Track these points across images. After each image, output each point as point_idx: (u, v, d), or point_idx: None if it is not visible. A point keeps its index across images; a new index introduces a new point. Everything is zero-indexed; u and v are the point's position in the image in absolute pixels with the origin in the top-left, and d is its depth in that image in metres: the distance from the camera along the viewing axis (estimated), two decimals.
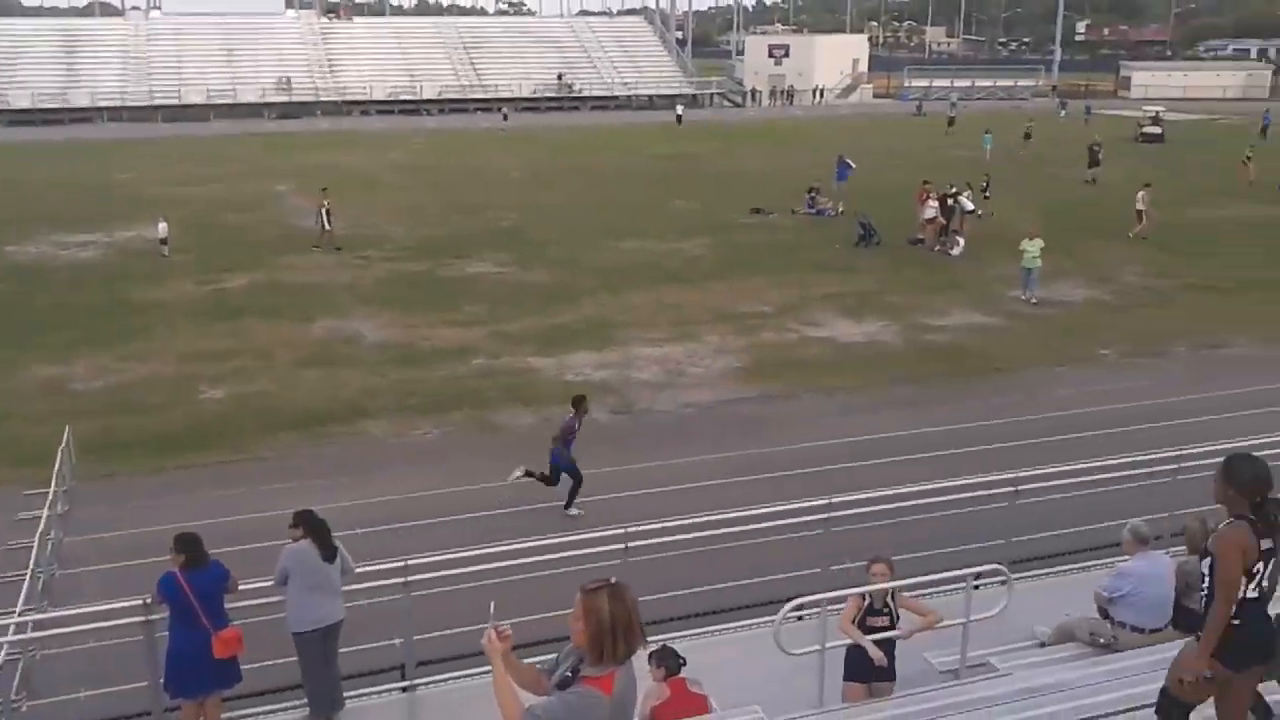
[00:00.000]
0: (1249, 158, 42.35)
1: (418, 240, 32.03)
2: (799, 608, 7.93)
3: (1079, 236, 31.12)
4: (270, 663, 9.00)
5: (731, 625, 9.66)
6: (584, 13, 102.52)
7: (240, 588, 8.23)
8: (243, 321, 23.39)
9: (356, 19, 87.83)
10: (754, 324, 23.42)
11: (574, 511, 13.80)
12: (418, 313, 24.05)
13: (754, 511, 10.12)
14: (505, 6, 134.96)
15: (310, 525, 8.32)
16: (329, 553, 8.25)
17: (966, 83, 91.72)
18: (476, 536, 11.27)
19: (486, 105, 75.16)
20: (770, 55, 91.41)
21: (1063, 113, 67.95)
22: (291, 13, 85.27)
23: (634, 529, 9.19)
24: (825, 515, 9.66)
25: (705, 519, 9.98)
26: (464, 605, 6.60)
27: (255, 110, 71.41)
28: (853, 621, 7.64)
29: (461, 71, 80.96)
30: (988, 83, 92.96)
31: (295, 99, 73.69)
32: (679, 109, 70.19)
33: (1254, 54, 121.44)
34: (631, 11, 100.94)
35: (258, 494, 14.30)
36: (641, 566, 8.99)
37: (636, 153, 53.68)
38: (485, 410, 18.27)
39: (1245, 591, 5.29)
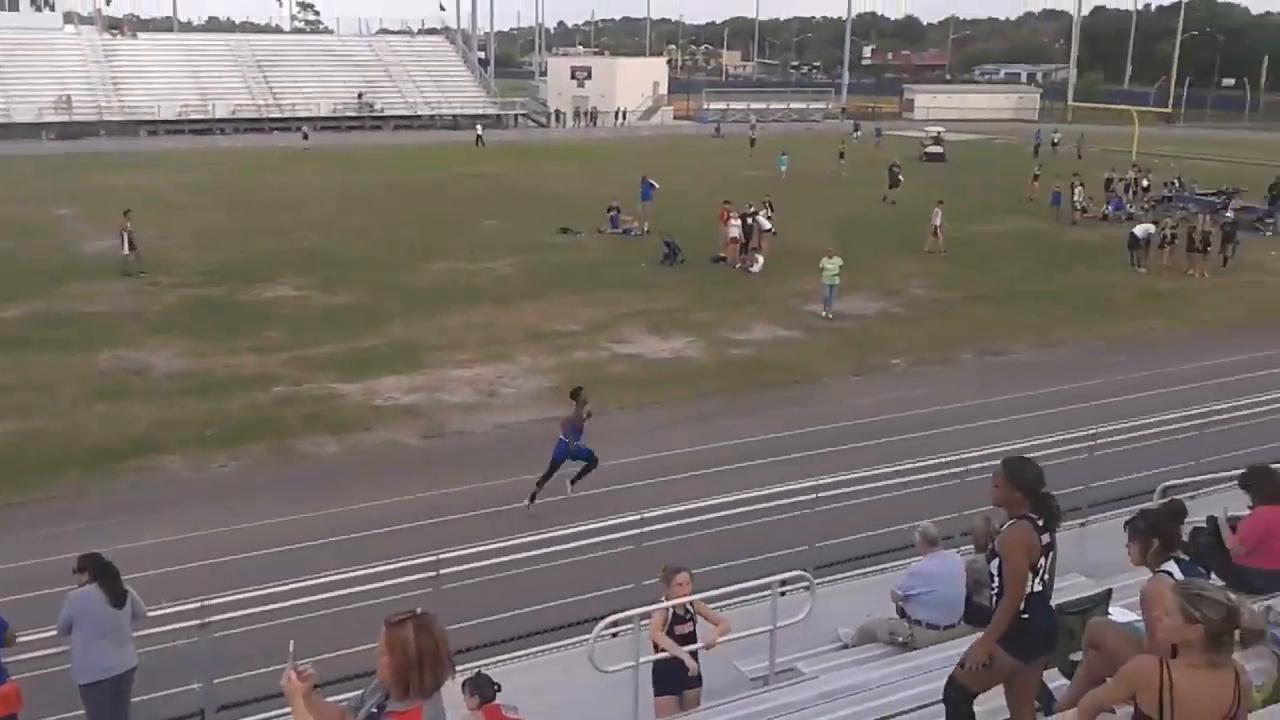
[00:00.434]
0: (1037, 175, 45.23)
1: (213, 264, 30.66)
2: (613, 624, 7.97)
3: (874, 252, 32.62)
4: (56, 719, 8.42)
5: (549, 646, 9.63)
6: (384, 31, 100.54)
7: (19, 639, 7.67)
8: (21, 354, 21.83)
9: (142, 35, 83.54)
10: (565, 343, 23.50)
11: (574, 492, 14.65)
12: (214, 340, 23.01)
13: (567, 531, 10.15)
14: (301, 24, 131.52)
15: (97, 569, 7.86)
16: (118, 598, 7.81)
17: (762, 105, 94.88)
18: (278, 572, 10.84)
19: (284, 125, 72.84)
20: (573, 77, 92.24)
21: (857, 134, 71.23)
22: (71, 28, 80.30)
23: (445, 556, 9.05)
24: (638, 531, 9.77)
25: (519, 541, 9.93)
26: (266, 644, 6.36)
27: (32, 131, 66.88)
28: (663, 632, 7.74)
29: (256, 90, 78.19)
30: (782, 105, 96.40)
31: (77, 119, 69.43)
32: (479, 129, 69.90)
33: (1024, 78, 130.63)
34: (433, 31, 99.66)
35: (42, 538, 13.32)
36: (455, 594, 8.87)
37: (442, 172, 53.11)
38: (287, 440, 17.62)
39: (1030, 586, 5.58)
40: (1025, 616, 5.58)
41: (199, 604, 8.11)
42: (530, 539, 10.01)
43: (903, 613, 8.67)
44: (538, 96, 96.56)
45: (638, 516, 9.88)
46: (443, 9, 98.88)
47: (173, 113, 72.19)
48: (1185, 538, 7.97)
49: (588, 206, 39.37)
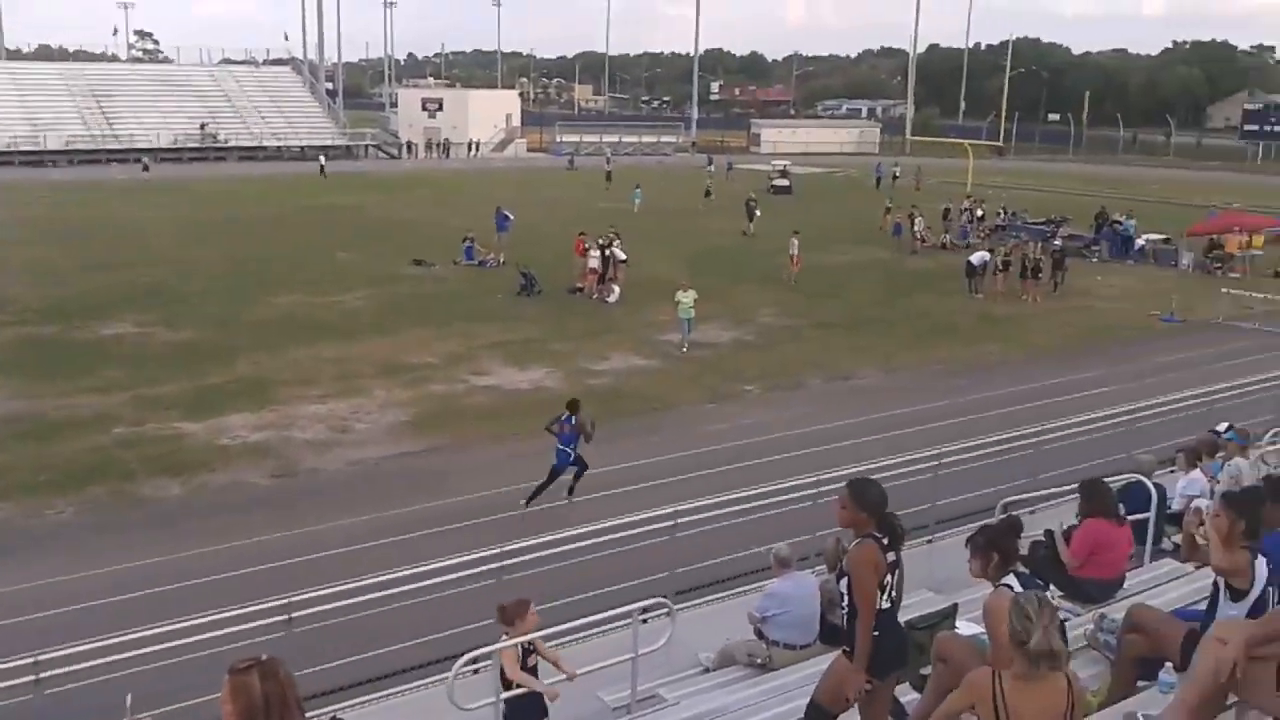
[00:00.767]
0: (889, 208, 46.54)
1: (46, 301, 29.09)
2: (473, 661, 7.85)
3: (726, 282, 33.20)
4: None
5: (407, 687, 9.40)
6: (227, 61, 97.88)
7: None
8: None
9: None
10: (421, 376, 23.17)
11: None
12: (49, 380, 21.82)
13: (426, 567, 9.94)
14: (139, 54, 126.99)
15: None
16: None
17: (614, 138, 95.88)
18: (120, 622, 10.32)
19: (122, 156, 70.00)
20: (424, 108, 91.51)
21: (710, 168, 72.58)
22: None
23: (297, 598, 8.77)
24: (498, 564, 9.68)
25: (373, 580, 9.69)
26: (106, 699, 6.04)
27: None
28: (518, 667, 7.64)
29: (91, 120, 74.97)
30: (634, 139, 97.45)
31: None
32: (322, 159, 68.62)
33: (865, 113, 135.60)
34: (279, 62, 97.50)
35: None
36: (308, 637, 8.60)
37: (290, 204, 51.84)
38: (128, 483, 16.82)
39: (880, 603, 5.70)
40: (876, 634, 5.69)
41: (33, 659, 7.66)
42: (385, 578, 9.77)
43: (761, 634, 8.80)
44: (389, 128, 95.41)
45: (497, 550, 9.79)
46: (287, 38, 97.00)
47: (1, 144, 68.60)
48: (1025, 551, 8.38)
49: (442, 238, 39.01)
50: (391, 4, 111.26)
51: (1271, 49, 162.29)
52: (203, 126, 77.20)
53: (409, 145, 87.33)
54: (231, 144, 77.39)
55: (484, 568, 9.76)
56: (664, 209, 51.61)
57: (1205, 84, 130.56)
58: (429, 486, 16.73)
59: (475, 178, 68.46)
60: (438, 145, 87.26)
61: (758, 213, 45.32)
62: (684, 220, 49.38)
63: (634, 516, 11.16)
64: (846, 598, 5.76)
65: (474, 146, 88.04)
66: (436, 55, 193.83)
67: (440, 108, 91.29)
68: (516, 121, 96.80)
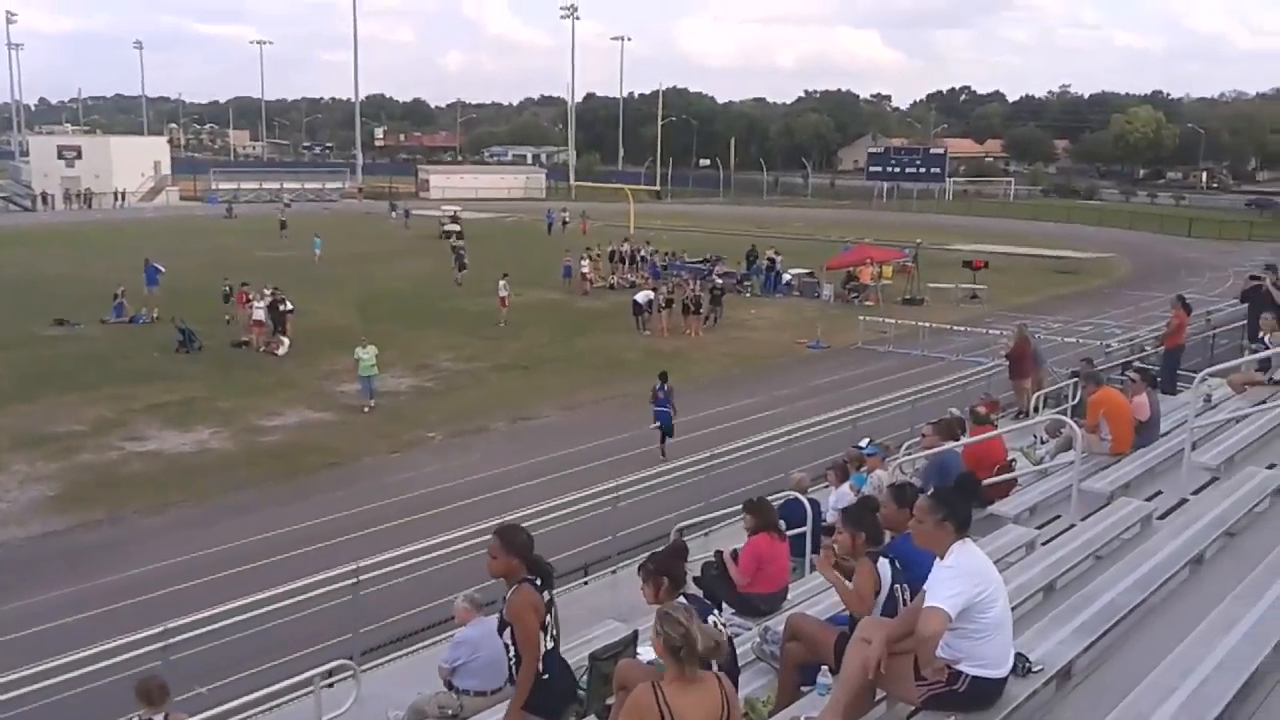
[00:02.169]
0: (595, 256, 46.74)
1: None
2: None
3: (404, 328, 32.69)
4: None
5: None
6: None
7: None
8: None
9: None
10: (68, 446, 21.26)
11: None
12: None
13: (72, 657, 8.98)
14: None
15: None
16: None
17: (275, 185, 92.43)
18: None
19: None
20: (61, 156, 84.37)
21: (393, 215, 71.35)
22: None
23: None
24: (161, 645, 9.00)
25: (16, 676, 8.72)
26: None
27: None
28: None
29: None
30: (296, 185, 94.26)
31: None
32: None
33: (530, 159, 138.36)
34: None
35: None
36: None
37: None
38: None
39: (543, 645, 5.79)
40: (545, 676, 5.77)
41: None
42: (25, 673, 8.77)
43: (451, 685, 8.72)
44: (20, 179, 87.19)
45: (160, 629, 9.10)
46: None
47: None
48: (699, 572, 8.84)
49: (87, 294, 36.03)
50: (18, 46, 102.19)
51: (888, 98, 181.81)
52: None
53: (44, 196, 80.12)
54: None
55: (146, 649, 9.02)
56: (349, 256, 50.22)
57: (835, 130, 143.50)
58: (79, 566, 15.35)
59: (124, 229, 63.63)
60: (79, 196, 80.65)
61: (467, 261, 44.33)
62: (367, 267, 48.19)
63: (313, 578, 10.74)
64: (512, 646, 5.80)
65: (121, 196, 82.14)
66: (72, 100, 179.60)
67: (79, 156, 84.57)
68: (167, 169, 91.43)
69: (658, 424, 21.16)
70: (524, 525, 11.41)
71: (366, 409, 24.40)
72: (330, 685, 8.30)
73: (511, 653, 5.81)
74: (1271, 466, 8.92)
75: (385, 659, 10.43)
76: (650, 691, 4.53)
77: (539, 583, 5.83)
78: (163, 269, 36.74)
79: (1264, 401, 12.17)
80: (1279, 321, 14.86)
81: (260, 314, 30.44)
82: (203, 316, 31.75)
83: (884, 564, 5.92)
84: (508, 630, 5.81)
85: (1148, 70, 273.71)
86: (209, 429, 22.70)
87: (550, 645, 5.85)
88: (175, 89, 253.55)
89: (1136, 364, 17.02)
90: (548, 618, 5.84)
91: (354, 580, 10.49)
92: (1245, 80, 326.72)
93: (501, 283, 35.38)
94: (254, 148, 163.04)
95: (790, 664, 6.29)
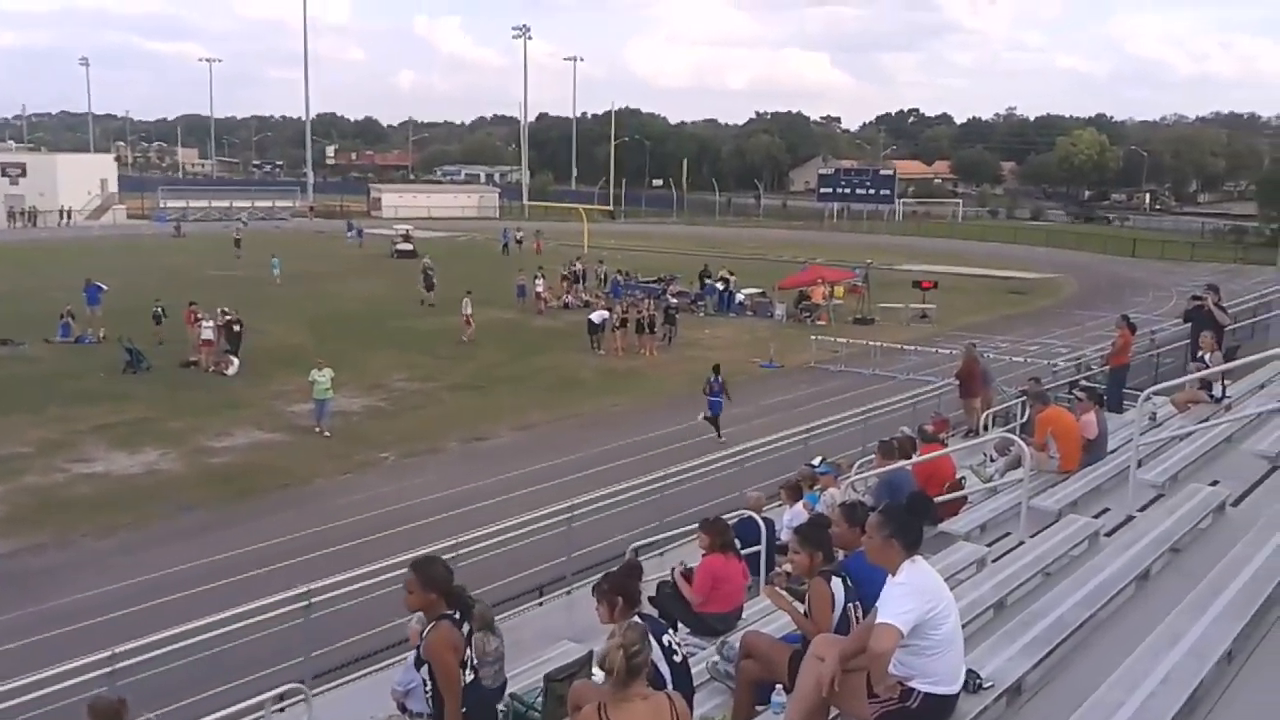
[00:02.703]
0: (540, 271, 46.50)
1: None
2: None
3: (356, 347, 32.40)
4: None
5: None
6: None
7: None
8: None
9: None
10: (12, 468, 20.84)
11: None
12: None
13: (18, 683, 8.82)
14: None
15: None
16: None
17: (225, 203, 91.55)
18: None
19: None
20: (4, 174, 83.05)
21: (349, 235, 70.40)
22: None
23: None
24: (108, 669, 8.85)
25: None
26: None
27: None
28: None
29: None
30: (246, 203, 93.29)
31: None
32: None
33: (483, 178, 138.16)
34: None
35: None
36: None
37: None
38: None
39: (464, 679, 5.65)
40: (465, 710, 5.62)
41: None
42: None
43: (404, 708, 8.64)
44: None
45: (108, 653, 8.96)
46: None
47: None
48: (654, 591, 8.85)
49: (32, 313, 35.41)
50: None
51: (838, 119, 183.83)
52: None
53: None
54: None
55: (92, 674, 8.87)
56: (301, 274, 49.60)
57: (786, 151, 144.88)
58: (24, 590, 15.04)
59: (69, 248, 62.64)
60: (23, 214, 79.36)
61: (435, 281, 43.73)
62: (320, 285, 47.76)
63: (264, 600, 10.63)
64: (430, 683, 5.64)
65: (66, 214, 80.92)
66: (16, 118, 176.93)
67: (23, 173, 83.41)
68: (114, 187, 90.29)
69: (709, 414, 23.79)
70: (451, 552, 11.48)
71: (323, 432, 23.94)
72: (282, 709, 8.21)
73: (429, 687, 5.64)
74: (1214, 484, 9.10)
75: (338, 682, 10.33)
76: (595, 713, 4.52)
77: (458, 615, 5.69)
78: (105, 287, 36.17)
79: (1206, 419, 12.44)
80: (1218, 341, 15.19)
81: (209, 333, 30.09)
82: (150, 336, 31.31)
83: (837, 583, 5.97)
84: (425, 667, 5.64)
85: (1091, 93, 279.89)
86: (158, 450, 22.36)
87: (471, 678, 5.71)
88: (123, 106, 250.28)
89: (1083, 383, 17.33)
90: (468, 651, 5.70)
91: (306, 603, 10.40)
92: (1186, 104, 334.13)
93: (465, 300, 35.49)
94: (203, 166, 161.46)
95: (745, 682, 6.31)
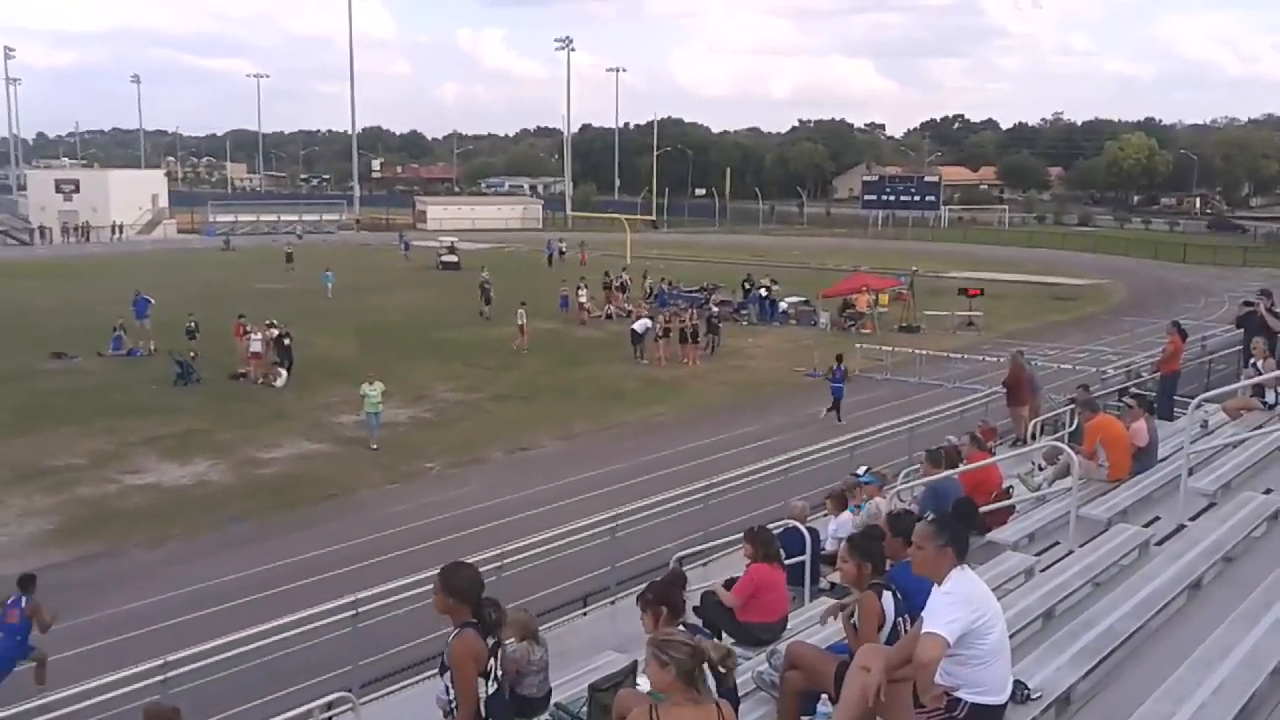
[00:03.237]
0: (610, 285, 46.88)
1: None
2: None
3: (397, 358, 32.63)
4: None
5: None
6: None
7: None
8: None
9: None
10: (66, 479, 21.23)
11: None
12: None
13: (71, 691, 8.99)
14: None
15: None
16: None
17: (273, 217, 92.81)
18: None
19: None
20: (58, 190, 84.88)
21: (401, 248, 70.34)
22: None
23: None
24: (161, 678, 8.99)
25: (6, 714, 8.71)
26: None
27: None
28: None
29: None
30: (294, 217, 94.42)
31: None
32: None
33: (527, 190, 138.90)
34: None
35: None
36: None
37: None
38: None
39: (486, 690, 5.52)
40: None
41: None
42: (25, 707, 8.79)
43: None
44: (18, 213, 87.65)
45: (160, 662, 9.10)
46: None
47: None
48: (698, 601, 8.84)
49: (85, 327, 36.12)
50: (15, 81, 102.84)
51: (882, 126, 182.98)
52: None
53: (42, 230, 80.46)
54: None
55: (145, 682, 9.01)
56: (348, 287, 49.83)
57: (829, 159, 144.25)
58: (79, 600, 15.26)
59: (121, 262, 63.82)
60: (76, 229, 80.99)
61: (493, 295, 43.50)
62: (366, 298, 48.15)
63: (311, 610, 10.73)
64: (450, 690, 5.54)
65: (118, 229, 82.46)
66: (70, 134, 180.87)
67: (77, 189, 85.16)
68: (164, 202, 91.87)
69: (832, 400, 26.28)
70: (495, 562, 11.50)
71: (374, 446, 23.83)
72: (330, 717, 8.28)
73: (450, 696, 5.56)
74: (1268, 491, 8.94)
75: (385, 691, 10.41)
76: (645, 715, 4.53)
77: (484, 626, 5.58)
78: (153, 300, 36.77)
79: (1260, 427, 12.22)
80: (1270, 347, 14.92)
81: (257, 346, 30.50)
82: (200, 349, 31.78)
83: (888, 598, 5.91)
84: (447, 674, 5.57)
85: (1139, 97, 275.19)
86: (207, 461, 22.69)
87: (493, 689, 5.60)
88: (172, 122, 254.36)
89: (1134, 390, 17.07)
90: (491, 662, 5.58)
91: (353, 612, 10.49)
92: (1236, 106, 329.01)
93: (520, 311, 35.86)
94: (251, 180, 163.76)
95: (790, 693, 6.27)
